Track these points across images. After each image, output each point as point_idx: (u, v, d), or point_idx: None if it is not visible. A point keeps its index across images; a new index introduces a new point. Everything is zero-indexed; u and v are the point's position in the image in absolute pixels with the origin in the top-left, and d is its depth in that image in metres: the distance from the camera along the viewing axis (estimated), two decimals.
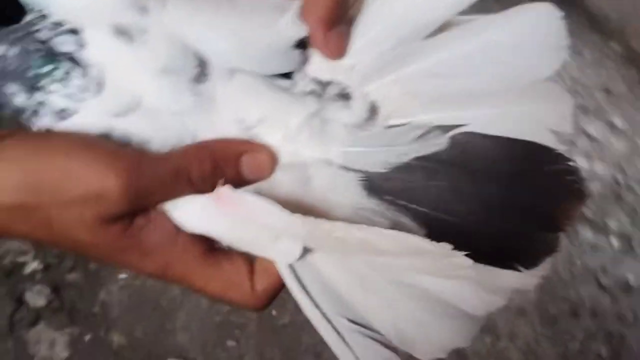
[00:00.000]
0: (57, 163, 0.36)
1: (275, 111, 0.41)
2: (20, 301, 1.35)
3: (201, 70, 0.40)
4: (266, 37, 0.40)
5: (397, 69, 0.41)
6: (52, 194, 0.36)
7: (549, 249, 0.43)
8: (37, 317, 1.34)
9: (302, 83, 0.42)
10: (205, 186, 0.40)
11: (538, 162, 0.42)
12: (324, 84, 0.42)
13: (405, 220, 0.41)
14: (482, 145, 0.41)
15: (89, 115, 0.39)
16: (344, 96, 0.42)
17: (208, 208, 0.40)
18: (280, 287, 0.42)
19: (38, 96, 0.38)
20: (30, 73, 0.38)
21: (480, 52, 0.40)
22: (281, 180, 0.42)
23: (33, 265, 1.39)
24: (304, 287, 0.41)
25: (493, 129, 0.41)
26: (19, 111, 0.39)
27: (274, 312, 1.40)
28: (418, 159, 0.41)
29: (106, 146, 0.38)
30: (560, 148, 0.42)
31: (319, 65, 0.42)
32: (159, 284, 1.38)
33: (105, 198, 0.36)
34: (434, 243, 0.37)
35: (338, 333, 0.42)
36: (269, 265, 0.42)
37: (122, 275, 1.42)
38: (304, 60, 0.42)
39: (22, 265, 1.39)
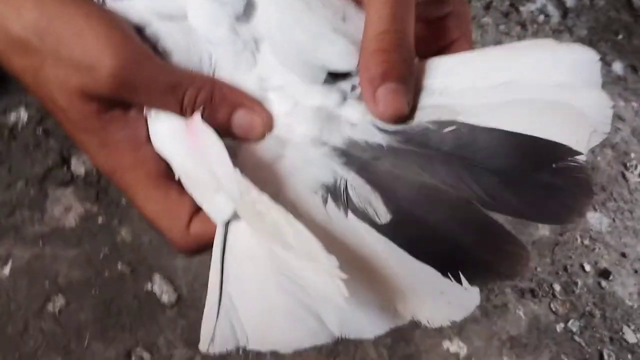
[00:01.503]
0: (73, 21, 0.37)
1: (296, 85, 0.41)
2: (65, 161, 1.36)
3: (247, 10, 0.41)
4: (307, 48, 0.41)
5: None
6: (54, 45, 0.37)
7: (509, 273, 0.38)
8: (70, 181, 1.35)
9: (338, 83, 0.42)
10: (190, 113, 0.39)
11: (546, 157, 0.39)
12: (355, 86, 0.41)
13: (374, 200, 0.39)
14: (484, 138, 0.39)
15: (137, 5, 0.40)
16: None
17: (178, 132, 0.40)
18: (212, 241, 0.40)
19: None
20: None
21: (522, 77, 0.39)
22: (258, 146, 0.41)
23: None
24: (223, 249, 0.40)
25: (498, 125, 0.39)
26: None
27: None
28: (416, 142, 0.39)
29: (124, 31, 0.38)
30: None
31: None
32: None
33: (95, 72, 0.37)
34: (328, 256, 0.34)
35: (219, 305, 0.40)
36: None
37: None
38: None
39: None
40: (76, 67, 0.37)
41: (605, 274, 1.49)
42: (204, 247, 0.41)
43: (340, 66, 0.41)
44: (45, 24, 0.37)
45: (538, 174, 0.38)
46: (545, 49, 0.39)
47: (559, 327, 1.42)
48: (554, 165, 0.38)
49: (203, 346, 0.40)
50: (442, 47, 0.47)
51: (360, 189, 0.39)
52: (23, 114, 1.38)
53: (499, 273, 0.38)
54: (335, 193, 0.40)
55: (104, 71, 0.36)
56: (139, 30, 0.40)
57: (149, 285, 1.25)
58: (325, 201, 0.40)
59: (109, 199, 1.35)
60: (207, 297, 0.40)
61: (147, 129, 0.40)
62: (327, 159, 0.40)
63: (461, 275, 0.37)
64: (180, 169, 0.40)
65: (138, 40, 0.39)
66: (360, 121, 0.40)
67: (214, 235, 0.40)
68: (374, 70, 0.39)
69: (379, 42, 0.39)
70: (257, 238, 0.39)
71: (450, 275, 0.37)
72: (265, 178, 0.40)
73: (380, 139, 0.40)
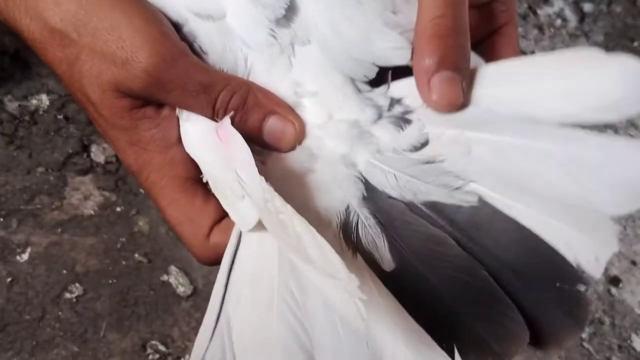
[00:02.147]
0: (111, 14, 0.37)
1: (331, 95, 0.40)
2: (85, 148, 1.36)
3: (287, 14, 0.40)
4: (357, 42, 0.40)
5: (471, 129, 0.39)
6: (91, 38, 0.37)
7: (503, 353, 0.37)
8: (89, 169, 1.35)
9: (376, 94, 0.41)
10: (222, 116, 0.39)
11: (551, 273, 0.38)
12: (394, 100, 0.41)
13: (382, 245, 0.39)
14: (504, 228, 0.38)
15: (176, 2, 0.40)
16: (404, 120, 0.40)
17: (208, 134, 0.39)
18: None
19: None
20: None
21: (560, 161, 0.37)
22: (287, 157, 0.41)
23: None
24: (232, 261, 0.39)
25: (525, 222, 0.38)
26: None
27: None
28: (433, 204, 0.39)
29: (162, 27, 0.38)
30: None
31: (402, 84, 0.41)
32: None
33: (129, 67, 0.36)
34: (349, 275, 0.32)
35: (215, 324, 0.39)
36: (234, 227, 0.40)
37: None
38: (394, 76, 0.41)
39: None
40: (111, 61, 0.36)
41: (615, 281, 1.49)
42: (222, 257, 0.40)
43: (393, 60, 0.40)
44: (83, 17, 0.36)
45: (539, 286, 0.37)
46: (593, 62, 0.37)
47: None
48: (557, 285, 0.37)
49: None
50: (490, 32, 0.45)
51: (370, 230, 0.39)
52: (45, 100, 1.38)
53: (493, 353, 0.37)
54: (347, 229, 0.39)
55: (138, 66, 0.36)
56: (177, 28, 0.39)
57: (165, 277, 1.26)
58: (338, 229, 0.39)
59: (127, 188, 1.35)
60: (206, 314, 0.39)
61: (179, 129, 0.40)
62: (354, 183, 0.40)
63: (454, 350, 0.36)
64: (208, 172, 0.40)
65: (176, 37, 0.39)
66: (389, 147, 0.40)
67: None
68: (428, 58, 0.38)
69: (433, 27, 0.38)
70: (265, 259, 0.39)
71: (443, 346, 0.36)
72: (291, 190, 0.39)
73: (405, 169, 0.39)
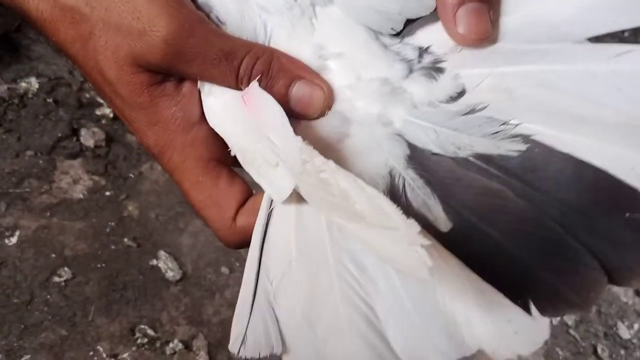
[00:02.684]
0: None
1: (358, 55, 0.39)
2: (74, 132, 1.36)
3: None
4: None
5: (507, 64, 0.37)
6: (105, 12, 0.35)
7: (581, 302, 0.35)
8: (79, 153, 1.34)
9: (403, 46, 0.39)
10: (246, 84, 0.37)
11: (618, 205, 0.35)
12: (422, 50, 0.38)
13: (434, 205, 0.37)
14: (562, 167, 0.35)
15: None
16: (436, 69, 0.38)
17: (233, 104, 0.37)
18: None
19: None
20: None
21: (608, 80, 0.35)
22: (318, 124, 0.39)
23: (105, 110, 1.41)
24: (264, 235, 0.38)
25: (582, 154, 0.35)
26: None
27: None
28: (479, 156, 0.36)
29: None
30: None
31: (428, 32, 0.39)
32: None
33: (146, 38, 0.35)
34: (407, 222, 0.30)
35: (253, 298, 0.38)
36: (260, 207, 0.38)
37: None
38: (419, 28, 0.39)
39: (98, 104, 1.42)
40: (127, 33, 0.35)
41: None
42: (249, 240, 0.39)
43: (419, 10, 0.38)
44: None
45: (608, 222, 0.35)
46: None
47: (555, 320, 1.44)
48: (626, 215, 0.34)
49: (233, 347, 0.37)
50: None
51: (419, 191, 0.37)
52: (34, 83, 1.37)
53: (572, 303, 0.35)
54: (394, 193, 0.38)
55: (157, 36, 0.34)
56: None
57: (154, 261, 1.26)
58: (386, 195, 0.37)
59: (117, 172, 1.35)
60: (241, 291, 0.38)
61: (200, 106, 0.38)
62: (394, 143, 0.38)
63: (530, 304, 0.34)
64: (236, 145, 0.38)
65: (192, 5, 0.37)
66: (424, 101, 0.38)
67: None
68: None
69: None
70: (308, 233, 0.37)
71: (518, 302, 0.34)
72: (326, 157, 0.37)
73: (445, 123, 0.37)
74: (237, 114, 0.37)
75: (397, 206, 0.34)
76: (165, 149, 0.38)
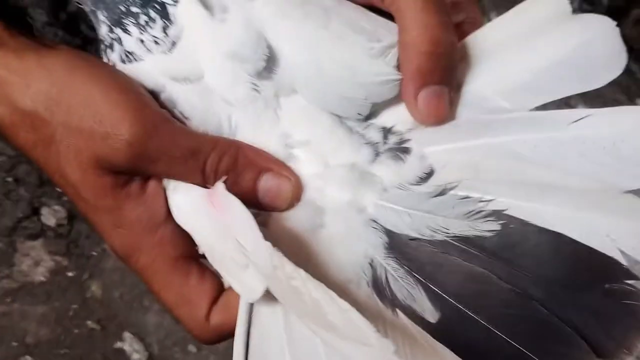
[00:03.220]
0: (86, 90, 0.35)
1: (323, 142, 0.39)
2: (35, 211, 1.34)
3: (268, 66, 0.38)
4: (346, 80, 0.38)
5: (471, 138, 0.37)
6: (65, 116, 0.35)
7: None
8: (40, 233, 1.33)
9: (368, 129, 0.39)
10: (212, 181, 0.37)
11: (597, 276, 0.35)
12: (387, 130, 0.39)
13: (419, 296, 0.36)
14: (538, 242, 0.35)
15: (150, 68, 0.38)
16: (402, 150, 0.39)
17: (200, 203, 0.37)
18: (233, 331, 0.37)
19: (117, 32, 0.38)
20: (122, 8, 0.38)
21: (571, 146, 0.35)
22: (291, 216, 0.38)
23: None
24: (247, 334, 0.37)
25: (557, 227, 0.36)
26: (100, 41, 0.39)
27: None
28: (457, 238, 0.36)
29: (140, 95, 0.37)
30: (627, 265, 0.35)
31: (390, 111, 0.39)
32: None
33: (109, 142, 0.34)
34: (381, 340, 0.30)
35: None
36: (234, 303, 0.37)
37: None
38: (381, 108, 0.39)
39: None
40: (89, 137, 0.35)
41: None
42: (225, 337, 0.38)
43: (385, 94, 0.38)
44: (56, 95, 0.35)
45: (587, 295, 0.35)
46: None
47: None
48: (606, 286, 0.34)
49: None
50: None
51: (402, 282, 0.37)
52: None
53: None
54: (378, 286, 0.37)
55: (120, 140, 0.34)
56: (154, 95, 0.38)
57: (118, 344, 1.24)
58: (370, 288, 0.37)
59: (79, 251, 1.33)
60: None
61: (166, 203, 0.37)
62: (370, 230, 0.38)
63: None
64: (205, 244, 0.37)
65: (155, 104, 0.37)
66: (394, 183, 0.38)
67: (235, 325, 0.37)
68: (413, 73, 0.37)
69: (417, 43, 0.36)
70: (290, 324, 0.36)
71: None
72: (304, 251, 0.37)
73: (418, 206, 0.37)
74: (204, 214, 0.36)
75: (383, 299, 0.36)
76: (132, 251, 0.37)
